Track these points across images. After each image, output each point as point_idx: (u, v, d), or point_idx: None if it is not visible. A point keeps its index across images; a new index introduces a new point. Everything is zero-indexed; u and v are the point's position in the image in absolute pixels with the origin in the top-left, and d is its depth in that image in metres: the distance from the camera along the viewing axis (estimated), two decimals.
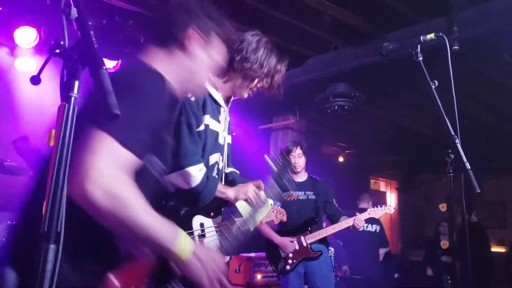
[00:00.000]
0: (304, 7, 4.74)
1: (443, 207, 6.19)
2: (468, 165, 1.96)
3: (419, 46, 2.16)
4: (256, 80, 2.27)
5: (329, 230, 4.36)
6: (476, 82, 6.11)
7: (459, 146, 2.01)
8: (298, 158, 4.42)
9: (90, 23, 1.08)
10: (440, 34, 2.15)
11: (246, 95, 2.31)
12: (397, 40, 2.35)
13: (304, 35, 5.40)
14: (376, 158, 10.91)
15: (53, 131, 1.02)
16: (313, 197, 4.43)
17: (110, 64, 5.40)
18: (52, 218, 0.98)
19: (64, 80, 1.04)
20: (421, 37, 2.17)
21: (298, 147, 4.43)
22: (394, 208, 4.61)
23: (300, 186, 4.44)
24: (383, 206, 4.58)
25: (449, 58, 2.11)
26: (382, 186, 12.91)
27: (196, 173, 1.97)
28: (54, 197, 0.98)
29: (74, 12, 1.04)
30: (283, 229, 4.38)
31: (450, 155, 2.08)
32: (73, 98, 1.02)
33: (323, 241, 4.42)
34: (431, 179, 11.30)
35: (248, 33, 2.34)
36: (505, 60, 5.07)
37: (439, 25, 4.36)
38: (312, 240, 4.31)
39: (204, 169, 2.03)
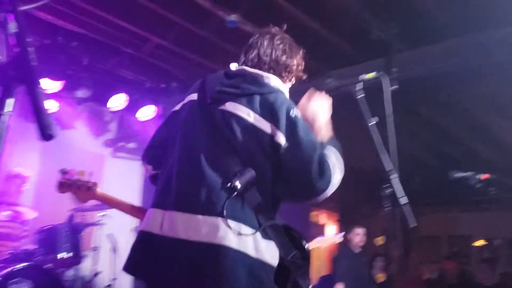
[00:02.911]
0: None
1: (378, 241, 6.34)
2: (404, 200, 2.01)
3: (359, 84, 2.23)
4: None
5: None
6: (412, 121, 6.41)
7: (396, 181, 2.06)
8: None
9: (30, 40, 1.03)
10: (380, 73, 2.23)
11: None
12: (339, 77, 2.42)
13: None
14: None
15: None
16: None
17: (52, 85, 5.21)
18: None
19: None
20: (362, 75, 2.24)
21: None
22: (343, 236, 4.67)
23: None
24: (332, 234, 4.66)
25: (388, 96, 2.19)
26: (323, 218, 13.07)
27: None
28: None
29: (12, 26, 1.00)
30: None
31: (388, 190, 2.13)
32: (5, 116, 0.97)
33: None
34: (369, 213, 11.61)
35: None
36: (440, 101, 5.37)
37: (379, 65, 4.57)
38: None
39: None
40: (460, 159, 7.87)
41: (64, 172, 2.38)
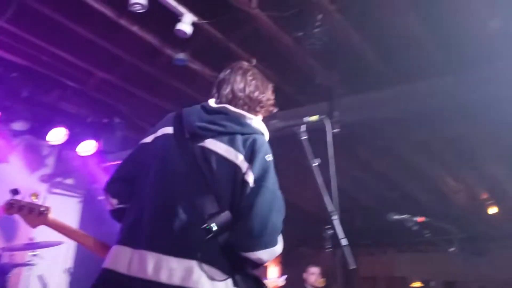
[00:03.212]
0: (200, 79, 4.88)
1: (319, 282, 6.36)
2: (344, 242, 2.04)
3: (303, 126, 2.29)
4: None
5: None
6: (353, 163, 6.61)
7: (337, 222, 2.09)
8: None
9: None
10: (323, 116, 2.30)
11: None
12: (283, 118, 2.48)
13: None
14: None
15: None
16: None
17: None
18: None
19: None
20: (306, 118, 2.31)
21: None
22: (285, 279, 4.64)
23: None
24: (275, 277, 4.62)
25: (330, 139, 2.26)
26: None
27: None
28: None
29: None
30: None
31: (328, 231, 2.16)
32: None
33: None
34: (310, 254, 11.68)
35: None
36: (378, 145, 5.59)
37: (322, 108, 4.73)
38: None
39: None
40: (398, 201, 8.15)
41: (15, 192, 2.24)
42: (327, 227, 2.17)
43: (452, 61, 4.34)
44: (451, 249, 4.00)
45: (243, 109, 1.92)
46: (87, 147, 6.02)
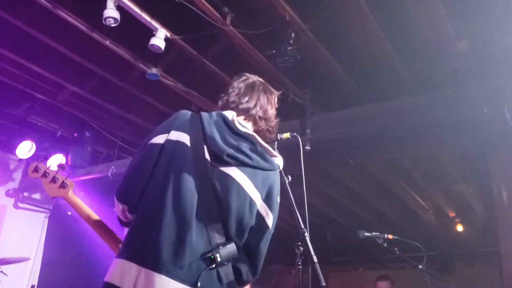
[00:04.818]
0: (172, 94, 4.86)
1: None
2: (315, 258, 2.04)
3: (276, 142, 2.31)
4: None
5: None
6: (324, 180, 6.65)
7: (307, 239, 2.10)
8: None
9: None
10: (294, 134, 2.33)
11: None
12: None
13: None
14: None
15: None
16: None
17: None
18: None
19: None
20: (278, 135, 2.33)
21: None
22: None
23: None
24: None
25: (301, 156, 2.28)
26: None
27: None
28: None
29: None
30: None
31: (300, 248, 2.17)
32: None
33: None
34: (282, 270, 11.65)
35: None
36: (348, 163, 5.64)
37: (294, 126, 4.76)
38: None
39: None
40: (368, 219, 8.22)
41: (44, 158, 2.23)
42: (298, 243, 2.17)
43: (422, 81, 4.45)
44: (420, 266, 4.06)
45: (264, 133, 2.02)
46: (56, 161, 5.91)
